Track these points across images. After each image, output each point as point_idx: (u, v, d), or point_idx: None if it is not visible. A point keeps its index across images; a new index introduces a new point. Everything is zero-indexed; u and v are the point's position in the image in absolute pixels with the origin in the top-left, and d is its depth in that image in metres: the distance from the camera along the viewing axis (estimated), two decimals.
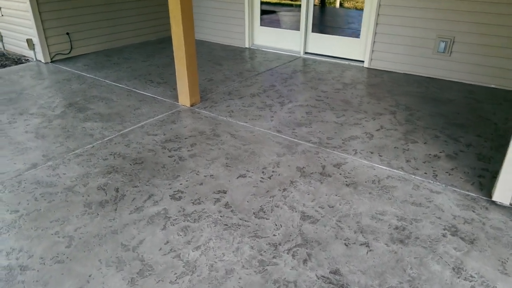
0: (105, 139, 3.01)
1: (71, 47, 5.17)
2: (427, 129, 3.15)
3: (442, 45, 4.13)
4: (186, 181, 2.47)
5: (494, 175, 2.51)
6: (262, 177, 2.51)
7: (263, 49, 5.61)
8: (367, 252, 1.90)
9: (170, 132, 3.11)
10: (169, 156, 2.76)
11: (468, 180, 2.47)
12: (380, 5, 4.34)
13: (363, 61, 4.82)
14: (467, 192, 2.35)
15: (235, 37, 5.80)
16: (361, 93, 3.93)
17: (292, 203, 2.25)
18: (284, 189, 2.38)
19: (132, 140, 2.99)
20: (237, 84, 4.22)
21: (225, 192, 2.36)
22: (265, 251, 1.90)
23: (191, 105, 3.62)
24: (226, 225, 2.08)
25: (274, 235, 2.01)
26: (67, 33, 5.07)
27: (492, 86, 4.04)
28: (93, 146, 2.90)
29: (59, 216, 2.14)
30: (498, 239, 1.99)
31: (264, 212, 2.18)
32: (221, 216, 2.14)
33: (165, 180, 2.48)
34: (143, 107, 3.60)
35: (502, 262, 1.84)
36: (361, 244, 1.95)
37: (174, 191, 2.37)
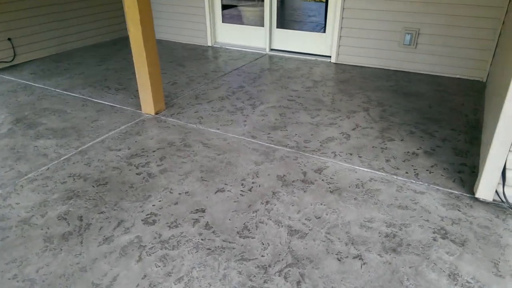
0: (62, 159, 2.71)
1: (15, 54, 4.72)
2: (402, 125, 3.11)
3: (408, 37, 4.12)
4: (159, 201, 2.26)
5: (472, 170, 2.50)
6: (242, 190, 2.34)
7: (226, 47, 5.41)
8: (361, 266, 1.79)
9: (135, 146, 2.87)
10: (136, 174, 2.53)
11: (449, 177, 2.44)
12: None
13: (330, 56, 4.75)
14: (450, 190, 2.31)
15: (196, 35, 5.55)
16: (332, 91, 3.84)
17: (277, 217, 2.11)
18: (267, 202, 2.23)
19: (92, 157, 2.72)
20: (204, 86, 4.00)
21: (203, 211, 2.17)
22: (254, 276, 1.74)
23: (156, 113, 3.37)
24: (209, 249, 1.90)
25: (262, 255, 1.86)
26: (9, 39, 4.61)
27: (458, 76, 4.09)
28: (48, 168, 2.61)
29: (16, 256, 1.87)
30: (487, 238, 1.95)
31: (249, 230, 2.02)
32: (202, 240, 1.96)
33: (135, 202, 2.25)
34: (102, 119, 3.31)
35: (495, 263, 1.80)
36: (354, 258, 1.84)
37: (146, 215, 2.15)
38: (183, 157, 2.71)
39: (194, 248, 1.91)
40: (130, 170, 2.57)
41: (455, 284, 1.69)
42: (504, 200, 2.13)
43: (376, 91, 3.81)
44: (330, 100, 3.62)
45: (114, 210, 2.19)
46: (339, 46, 4.55)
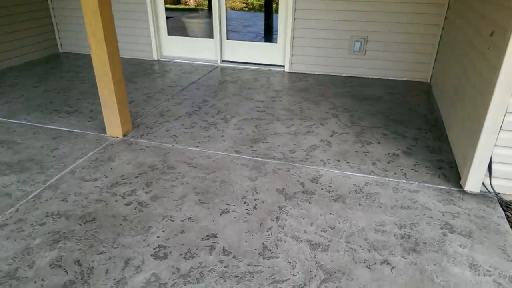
0: (30, 197, 2.37)
1: None
2: (373, 128, 3.26)
3: (358, 44, 4.37)
4: (162, 231, 2.08)
5: (450, 165, 2.71)
6: (247, 209, 2.26)
7: (175, 61, 5.22)
8: (391, 270, 1.83)
9: (113, 173, 2.61)
10: (125, 204, 2.30)
11: (433, 174, 2.61)
12: (295, 9, 4.37)
13: (283, 66, 4.84)
14: (439, 186, 2.48)
15: (140, 49, 5.27)
16: (296, 99, 3.91)
17: (293, 233, 2.07)
18: (277, 218, 2.18)
19: (66, 191, 2.42)
20: (165, 103, 3.81)
21: (215, 236, 2.05)
22: None
23: (124, 135, 3.12)
24: (236, 276, 1.79)
25: (293, 275, 1.80)
26: None
27: (405, 79, 4.43)
28: (17, 209, 2.26)
29: None
30: (487, 227, 2.12)
31: (270, 250, 1.95)
32: (225, 267, 1.84)
33: (135, 236, 2.04)
34: (62, 146, 2.96)
35: (503, 250, 1.96)
36: (381, 263, 1.87)
37: (154, 248, 1.96)
38: (170, 180, 2.53)
39: (220, 277, 1.78)
40: (116, 201, 2.33)
41: (478, 275, 1.80)
42: (492, 190, 2.34)
43: (337, 97, 3.96)
44: (298, 108, 3.68)
45: (115, 248, 1.96)
46: (292, 55, 4.66)
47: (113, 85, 2.88)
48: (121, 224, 2.13)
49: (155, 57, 5.26)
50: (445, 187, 2.47)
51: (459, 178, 2.53)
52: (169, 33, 5.19)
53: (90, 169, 2.66)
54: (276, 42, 4.79)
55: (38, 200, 2.33)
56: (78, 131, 3.21)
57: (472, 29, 2.86)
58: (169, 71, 4.80)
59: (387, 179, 2.55)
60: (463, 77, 2.89)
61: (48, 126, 3.29)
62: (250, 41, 5.02)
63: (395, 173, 2.61)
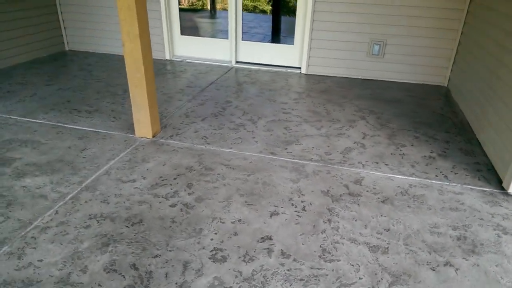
0: (67, 198, 2.27)
1: None
2: (403, 131, 3.26)
3: (376, 48, 4.38)
4: (215, 233, 2.02)
5: (488, 168, 2.72)
6: (296, 211, 2.21)
7: (187, 61, 5.14)
8: (456, 272, 1.81)
9: (150, 174, 2.54)
10: (170, 206, 2.23)
11: (473, 176, 2.61)
12: (314, 11, 4.36)
13: (299, 68, 4.81)
14: (481, 188, 2.48)
15: (153, 49, 5.16)
16: (320, 101, 3.88)
17: (349, 235, 2.03)
18: (329, 220, 2.14)
19: (106, 193, 2.33)
20: (188, 103, 3.73)
21: (270, 238, 1.99)
22: None
23: (153, 136, 3.04)
24: (302, 279, 1.74)
25: (360, 278, 1.76)
26: None
27: (422, 82, 4.46)
28: (57, 211, 2.16)
29: None
30: None
31: (330, 253, 1.90)
32: (288, 270, 1.79)
33: (188, 239, 1.97)
34: (91, 147, 2.87)
35: None
36: (444, 265, 1.85)
37: (210, 251, 1.90)
38: (211, 182, 2.47)
39: (285, 281, 1.73)
40: (160, 202, 2.26)
41: None
42: None
43: (359, 99, 3.95)
44: (324, 110, 3.65)
45: (170, 251, 1.89)
46: (309, 57, 4.64)
47: (145, 84, 2.80)
48: (171, 226, 2.06)
49: (167, 57, 5.18)
50: (487, 189, 2.47)
51: (500, 181, 2.54)
52: (182, 33, 5.11)
53: (126, 170, 2.57)
54: (293, 44, 4.76)
55: (77, 202, 2.24)
56: (104, 131, 3.11)
57: (501, 31, 2.89)
58: (184, 71, 4.72)
59: (430, 181, 2.54)
60: (495, 80, 2.91)
61: (70, 126, 3.18)
62: (266, 42, 4.98)
63: (436, 175, 2.60)
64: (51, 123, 3.23)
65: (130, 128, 3.15)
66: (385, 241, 1.99)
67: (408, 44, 4.30)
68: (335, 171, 2.63)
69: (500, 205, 2.31)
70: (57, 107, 3.54)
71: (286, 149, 2.91)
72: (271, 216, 2.16)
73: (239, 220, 2.12)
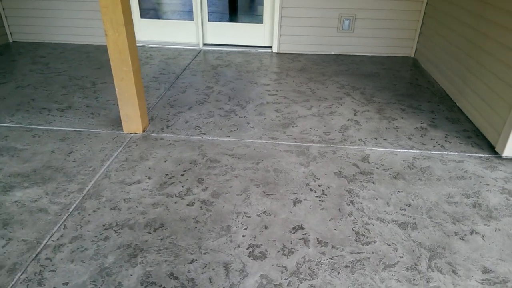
0: (71, 210, 2.07)
1: None
2: (389, 104, 3.35)
3: (347, 22, 4.40)
4: (245, 229, 1.95)
5: (476, 134, 2.88)
6: (317, 196, 2.20)
7: (150, 45, 4.83)
8: (483, 239, 1.91)
9: (154, 173, 2.38)
10: (188, 205, 2.12)
11: (466, 143, 2.76)
12: None
13: (270, 47, 4.73)
14: (477, 155, 2.63)
15: None
16: (301, 80, 3.85)
17: (375, 215, 2.06)
18: (351, 202, 2.16)
19: (113, 198, 2.16)
20: (168, 92, 3.53)
21: (302, 227, 1.97)
22: (413, 279, 1.69)
23: (143, 131, 2.84)
24: (347, 266, 1.75)
25: (400, 257, 1.80)
26: None
27: (390, 54, 4.59)
28: (65, 225, 1.96)
29: None
30: None
31: (364, 235, 1.92)
32: (330, 258, 1.79)
33: (219, 238, 1.89)
34: (77, 149, 2.62)
35: None
36: (470, 233, 1.95)
37: (247, 248, 1.83)
38: (221, 175, 2.37)
39: (332, 270, 1.73)
40: (176, 203, 2.13)
41: None
42: None
43: (338, 75, 3.98)
44: (308, 89, 3.63)
45: (205, 254, 1.80)
46: (281, 35, 4.57)
47: (133, 76, 2.58)
48: (196, 227, 1.96)
49: None
50: (483, 155, 2.62)
51: (491, 145, 2.71)
52: (141, 16, 4.77)
53: (126, 171, 2.39)
54: (262, 23, 4.64)
55: (84, 212, 2.04)
56: (86, 130, 2.85)
57: (484, 6, 3.02)
58: (151, 58, 4.44)
59: (429, 152, 2.65)
60: (473, 48, 3.06)
61: (45, 127, 2.88)
62: (234, 22, 4.81)
63: (434, 146, 2.72)
64: (21, 125, 2.90)
65: (115, 124, 2.92)
66: (411, 216, 2.05)
67: (376, 17, 4.37)
68: (340, 150, 2.64)
69: (498, 169, 2.47)
70: (22, 108, 3.18)
71: (284, 132, 2.87)
72: (294, 204, 2.13)
73: (264, 212, 2.07)
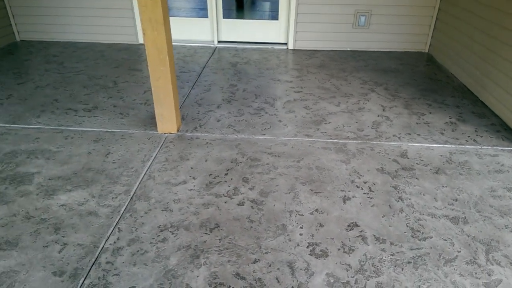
0: (122, 212, 2.05)
1: None
2: (414, 99, 3.38)
3: (363, 19, 4.42)
4: (300, 228, 1.96)
5: (504, 127, 2.93)
6: (364, 193, 2.22)
7: None
8: None
9: (197, 173, 2.37)
10: (238, 205, 2.12)
11: (497, 137, 2.81)
12: None
13: (286, 43, 4.72)
14: (510, 148, 2.67)
15: (122, 33, 4.73)
16: (322, 77, 3.86)
17: (426, 210, 2.09)
18: (400, 198, 2.18)
19: (162, 199, 2.14)
20: (193, 91, 3.50)
21: (357, 225, 1.99)
22: (477, 273, 1.72)
23: (178, 131, 2.82)
24: (409, 262, 1.77)
25: (458, 251, 1.84)
26: None
27: (406, 50, 4.62)
28: (119, 228, 1.95)
29: None
30: None
31: (419, 231, 1.95)
32: (391, 255, 1.81)
33: (277, 237, 1.90)
34: (114, 150, 2.59)
35: None
36: None
37: (307, 247, 1.84)
38: (265, 173, 2.38)
39: (395, 266, 1.75)
40: (226, 202, 2.13)
41: None
42: None
43: (358, 71, 4.00)
44: (332, 86, 3.65)
45: (266, 253, 1.80)
46: (296, 32, 4.56)
47: (170, 77, 2.56)
48: (252, 227, 1.96)
49: (140, 41, 4.77)
50: None
51: None
52: None
53: (169, 172, 2.37)
54: (277, 19, 4.63)
55: (136, 214, 2.03)
56: (118, 130, 2.82)
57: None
58: None
59: (464, 146, 2.68)
60: (494, 42, 3.10)
61: (76, 128, 2.84)
62: (249, 19, 4.79)
63: (466, 140, 2.75)
64: (50, 127, 2.85)
65: (147, 124, 2.89)
66: (460, 211, 2.09)
67: (391, 13, 4.40)
68: (377, 147, 2.67)
69: None
70: (47, 108, 3.13)
71: (318, 129, 2.88)
72: (344, 202, 2.14)
73: (316, 210, 2.08)
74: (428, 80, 3.79)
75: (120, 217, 2.01)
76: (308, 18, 4.46)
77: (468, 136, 2.81)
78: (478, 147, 2.68)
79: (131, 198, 2.15)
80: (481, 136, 2.81)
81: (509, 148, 2.67)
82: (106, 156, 2.51)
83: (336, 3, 4.36)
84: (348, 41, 4.59)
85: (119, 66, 4.06)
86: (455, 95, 3.47)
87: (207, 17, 4.66)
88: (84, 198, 2.14)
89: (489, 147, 2.68)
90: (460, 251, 1.83)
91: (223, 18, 4.67)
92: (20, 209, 2.04)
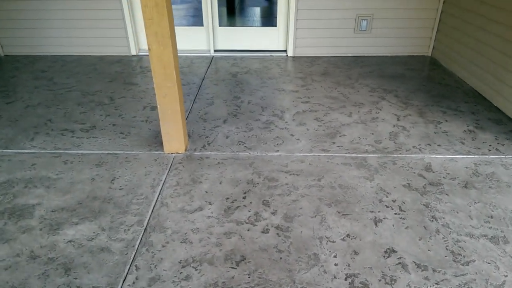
0: (137, 246, 1.87)
1: None
2: (427, 107, 3.27)
3: (364, 23, 4.31)
4: (334, 257, 1.81)
5: None
6: (395, 213, 2.08)
7: None
8: None
9: (213, 197, 2.20)
10: (262, 232, 1.95)
11: None
12: None
13: (285, 51, 4.58)
14: None
15: (114, 44, 4.52)
16: (329, 85, 3.73)
17: (463, 230, 1.96)
18: (433, 217, 2.05)
19: (179, 230, 1.96)
20: (195, 105, 3.33)
21: (394, 251, 1.84)
22: None
23: (186, 150, 2.64)
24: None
25: (505, 275, 1.71)
26: None
27: (409, 54, 4.53)
28: (136, 266, 1.76)
29: None
30: None
31: (460, 255, 1.82)
32: (436, 283, 1.67)
33: (311, 269, 1.74)
34: (119, 174, 2.40)
35: None
36: None
37: (345, 279, 1.69)
38: (286, 195, 2.22)
39: None
40: (249, 230, 1.96)
41: None
42: None
43: (364, 78, 3.89)
44: (340, 95, 3.52)
45: (301, 286, 1.64)
46: (296, 38, 4.43)
47: (178, 94, 2.38)
48: (281, 258, 1.80)
49: (133, 52, 4.57)
50: None
51: None
52: None
53: (182, 197, 2.19)
54: (275, 26, 4.49)
55: (153, 249, 1.84)
56: (121, 152, 2.63)
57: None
58: None
59: (487, 156, 2.58)
60: (508, 46, 3.01)
61: (75, 152, 2.63)
62: (247, 26, 4.64)
63: (489, 150, 2.65)
64: (47, 151, 2.64)
65: (151, 144, 2.71)
66: (497, 229, 1.96)
67: (393, 17, 4.30)
68: (399, 160, 2.54)
69: None
70: (41, 130, 2.91)
71: (334, 143, 2.74)
72: (376, 224, 2.00)
73: (348, 235, 1.93)
74: (437, 86, 3.69)
75: (136, 253, 1.82)
76: (308, 24, 4.33)
77: (490, 145, 2.70)
78: (503, 156, 2.58)
79: (145, 229, 1.96)
80: (503, 145, 2.71)
81: None
82: (111, 182, 2.32)
83: (337, 7, 4.24)
84: (350, 47, 4.48)
85: (114, 80, 3.86)
86: (468, 100, 3.38)
87: (201, 25, 4.49)
88: (94, 232, 1.94)
89: None
90: (507, 275, 1.70)
91: (219, 26, 4.51)
92: (23, 248, 1.84)
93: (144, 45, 4.63)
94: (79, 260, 1.78)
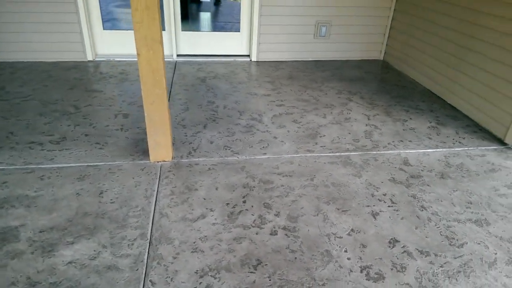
0: (146, 260, 1.79)
1: None
2: (391, 106, 3.52)
3: (324, 29, 4.51)
4: (345, 251, 1.88)
5: (479, 128, 3.17)
6: (390, 206, 2.21)
7: (116, 59, 4.39)
8: None
9: (213, 204, 2.17)
10: (271, 234, 1.97)
11: (477, 138, 3.02)
12: None
13: (248, 55, 4.63)
14: (492, 147, 2.89)
15: (68, 49, 4.24)
16: (297, 88, 3.85)
17: (449, 216, 2.15)
18: (422, 207, 2.21)
19: (186, 240, 1.92)
20: (170, 110, 3.24)
21: (396, 240, 1.96)
22: None
23: (172, 158, 2.57)
24: (459, 271, 1.79)
25: (495, 253, 1.90)
26: None
27: (363, 58, 4.81)
28: (151, 281, 1.69)
29: None
30: None
31: (453, 239, 1.99)
32: (441, 266, 1.81)
33: (327, 266, 1.80)
34: (106, 187, 2.27)
35: None
36: None
37: (360, 272, 1.77)
38: (284, 196, 2.26)
39: (450, 278, 1.75)
40: (257, 234, 1.97)
41: None
42: None
43: (328, 81, 4.06)
44: (310, 97, 3.64)
45: (323, 285, 1.69)
46: (260, 43, 4.51)
47: (165, 99, 2.32)
48: (296, 258, 1.83)
49: (89, 57, 4.33)
50: (496, 147, 2.89)
51: (497, 138, 2.99)
52: (104, 27, 4.32)
53: (181, 206, 2.13)
54: (239, 31, 4.53)
55: (165, 261, 1.78)
56: (102, 163, 2.49)
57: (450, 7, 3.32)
58: (125, 73, 4.03)
59: (453, 149, 2.84)
60: (462, 50, 3.36)
61: (50, 166, 2.44)
62: (210, 31, 4.62)
63: (453, 143, 2.92)
64: (16, 167, 2.42)
65: (133, 153, 2.60)
66: (478, 213, 2.18)
67: (349, 24, 4.55)
68: (379, 157, 2.70)
69: None
70: (4, 144, 2.65)
71: (316, 143, 2.83)
72: (375, 218, 2.11)
73: (352, 230, 2.02)
74: (395, 87, 3.97)
75: (147, 267, 1.74)
76: (271, 29, 4.43)
77: (453, 139, 2.97)
78: (466, 148, 2.85)
79: (150, 242, 1.88)
80: (464, 138, 3.00)
81: (492, 147, 2.88)
82: (100, 196, 2.18)
83: (298, 14, 4.39)
84: (310, 51, 4.65)
85: (74, 87, 3.62)
86: (424, 99, 3.68)
87: (163, 29, 4.38)
88: (94, 250, 1.82)
89: (475, 148, 2.86)
90: (496, 253, 1.90)
91: (182, 30, 4.43)
92: (17, 275, 1.67)
93: (101, 50, 4.40)
94: (86, 281, 1.66)
